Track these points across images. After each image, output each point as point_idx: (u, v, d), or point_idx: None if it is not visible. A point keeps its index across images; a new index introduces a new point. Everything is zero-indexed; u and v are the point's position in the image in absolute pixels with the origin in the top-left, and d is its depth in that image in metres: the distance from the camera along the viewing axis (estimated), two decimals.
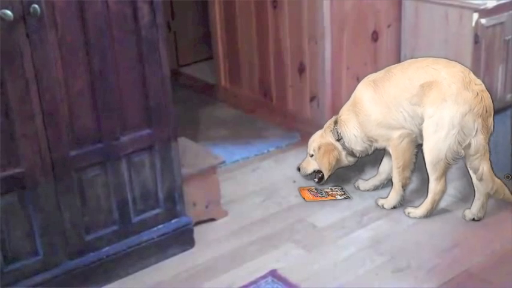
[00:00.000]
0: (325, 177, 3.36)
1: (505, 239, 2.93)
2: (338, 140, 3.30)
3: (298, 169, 3.48)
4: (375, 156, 3.39)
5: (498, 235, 2.96)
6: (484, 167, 2.98)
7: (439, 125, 2.93)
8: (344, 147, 3.30)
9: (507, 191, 3.08)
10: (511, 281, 2.68)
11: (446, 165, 3.00)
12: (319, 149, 3.33)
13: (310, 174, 3.45)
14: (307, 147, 3.46)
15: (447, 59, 3.12)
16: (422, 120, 3.01)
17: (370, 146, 3.26)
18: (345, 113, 3.29)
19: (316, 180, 3.43)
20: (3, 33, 2.22)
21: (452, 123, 2.90)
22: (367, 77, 3.26)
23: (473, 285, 2.67)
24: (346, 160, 3.35)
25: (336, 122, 3.33)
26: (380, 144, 3.21)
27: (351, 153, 3.31)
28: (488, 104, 2.96)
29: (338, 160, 3.33)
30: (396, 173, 3.18)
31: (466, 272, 2.73)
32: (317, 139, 3.38)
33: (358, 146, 3.27)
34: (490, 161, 3.00)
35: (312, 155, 3.39)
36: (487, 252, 2.85)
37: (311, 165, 3.41)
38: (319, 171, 3.40)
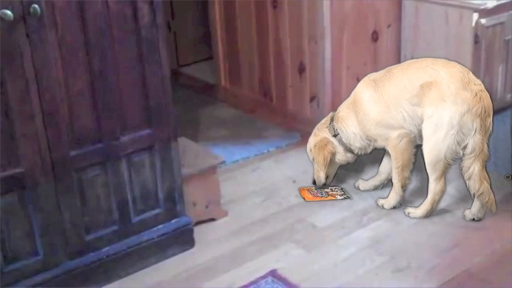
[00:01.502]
0: (323, 172, 3.31)
1: (505, 239, 2.93)
2: (334, 136, 3.30)
3: (314, 182, 3.40)
4: (375, 156, 3.39)
5: (498, 235, 2.96)
6: (476, 167, 2.95)
7: (438, 125, 2.93)
8: (341, 143, 3.29)
9: (492, 197, 3.02)
10: (511, 281, 2.68)
11: (446, 166, 2.99)
12: (314, 147, 3.33)
13: (325, 183, 3.37)
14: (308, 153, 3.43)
15: (447, 59, 3.12)
16: (421, 120, 3.01)
17: (369, 144, 3.26)
18: (343, 110, 3.29)
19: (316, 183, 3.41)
20: (3, 33, 2.22)
21: (451, 124, 2.90)
22: (367, 76, 3.26)
23: (473, 285, 2.67)
24: (345, 156, 3.34)
25: (332, 119, 3.33)
26: (379, 143, 3.21)
27: (348, 149, 3.30)
28: (487, 104, 2.95)
29: (333, 154, 3.30)
30: (395, 173, 3.17)
31: (466, 272, 2.73)
32: (311, 139, 3.38)
33: (356, 143, 3.26)
34: (485, 163, 2.97)
35: (313, 159, 3.38)
36: (487, 252, 2.85)
37: (320, 172, 3.36)
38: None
